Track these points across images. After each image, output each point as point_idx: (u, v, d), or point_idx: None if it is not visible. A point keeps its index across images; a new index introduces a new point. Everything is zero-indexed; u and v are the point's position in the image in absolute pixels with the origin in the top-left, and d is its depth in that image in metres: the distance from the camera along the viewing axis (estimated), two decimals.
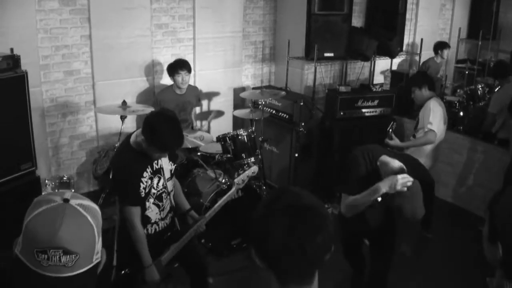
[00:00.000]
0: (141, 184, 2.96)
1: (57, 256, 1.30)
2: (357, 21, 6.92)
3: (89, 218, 1.36)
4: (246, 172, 3.47)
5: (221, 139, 4.79)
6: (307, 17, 5.99)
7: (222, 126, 6.19)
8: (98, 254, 1.41)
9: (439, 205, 5.62)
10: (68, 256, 1.31)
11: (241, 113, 5.40)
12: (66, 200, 1.37)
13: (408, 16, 7.17)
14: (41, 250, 1.29)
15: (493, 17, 8.49)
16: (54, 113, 5.15)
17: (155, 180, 3.06)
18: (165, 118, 2.94)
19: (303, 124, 5.45)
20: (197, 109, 5.86)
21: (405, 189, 2.81)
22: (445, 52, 7.50)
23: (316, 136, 5.94)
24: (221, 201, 3.42)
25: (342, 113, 5.74)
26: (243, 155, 4.74)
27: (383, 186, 2.86)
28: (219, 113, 6.26)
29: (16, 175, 3.95)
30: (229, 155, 4.75)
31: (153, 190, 3.05)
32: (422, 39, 7.00)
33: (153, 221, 3.11)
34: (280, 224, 1.34)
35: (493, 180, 5.04)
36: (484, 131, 5.76)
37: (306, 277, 1.40)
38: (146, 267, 2.99)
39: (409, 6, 7.13)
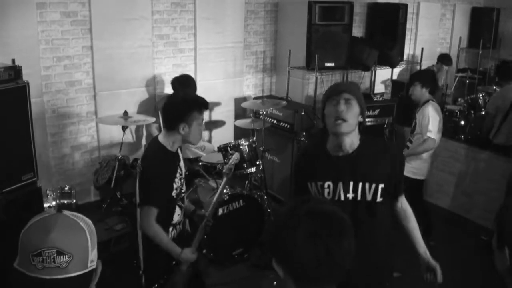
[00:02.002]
0: (174, 184, 2.97)
1: (51, 257, 1.32)
2: (357, 31, 6.95)
3: (81, 223, 1.41)
4: (230, 161, 3.44)
5: (222, 149, 4.79)
6: (308, 27, 6.01)
7: (223, 136, 6.20)
8: (93, 262, 1.43)
9: (439, 213, 5.62)
10: (61, 257, 1.33)
11: (242, 123, 5.41)
12: (59, 211, 1.42)
13: (408, 26, 7.20)
14: (35, 253, 1.32)
15: (493, 26, 8.52)
16: (56, 123, 5.16)
17: (183, 182, 3.10)
18: (176, 97, 3.17)
19: (304, 133, 5.45)
20: None
21: None
22: (445, 68, 7.50)
23: None
24: (217, 194, 3.35)
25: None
26: (244, 165, 4.73)
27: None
28: (221, 123, 6.26)
29: (18, 185, 3.93)
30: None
31: (181, 191, 3.09)
32: (422, 49, 7.03)
33: (174, 222, 3.07)
34: (306, 230, 1.34)
35: (494, 188, 5.03)
36: (482, 133, 5.74)
37: (330, 284, 1.40)
38: (179, 254, 2.92)
39: (409, 16, 7.17)
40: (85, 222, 1.42)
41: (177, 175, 3.01)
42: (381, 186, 2.36)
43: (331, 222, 1.36)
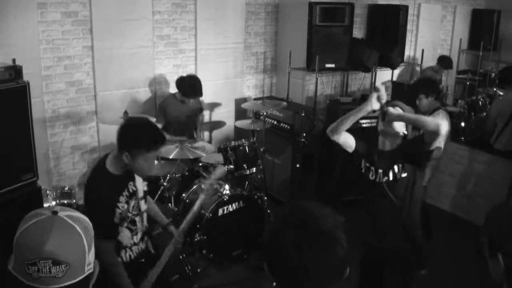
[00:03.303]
0: (117, 209, 2.73)
1: (47, 267, 1.30)
2: (358, 32, 6.95)
3: (77, 228, 1.37)
4: (213, 175, 3.20)
5: (222, 149, 4.79)
6: (308, 29, 6.02)
7: (223, 136, 6.20)
8: (90, 265, 1.40)
9: (440, 215, 5.62)
10: (57, 267, 1.31)
11: (243, 123, 5.41)
12: (54, 213, 1.37)
13: (409, 27, 7.20)
14: (31, 263, 1.30)
15: (494, 28, 8.52)
16: (56, 123, 5.15)
17: (132, 203, 2.83)
18: (135, 122, 2.88)
19: (304, 134, 5.45)
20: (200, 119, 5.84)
21: (383, 99, 2.94)
22: (445, 71, 7.48)
23: (317, 146, 5.93)
24: (192, 212, 3.13)
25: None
26: (244, 165, 4.73)
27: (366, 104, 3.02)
28: (221, 124, 6.26)
29: (17, 185, 3.94)
30: (230, 166, 4.74)
31: (128, 214, 2.81)
32: (423, 50, 7.03)
33: (125, 245, 2.85)
34: (289, 240, 1.33)
35: (495, 190, 5.03)
36: (483, 137, 5.73)
37: None
38: None
39: (410, 17, 7.16)
40: (81, 224, 1.38)
41: (122, 199, 2.75)
42: None
43: (316, 238, 1.34)
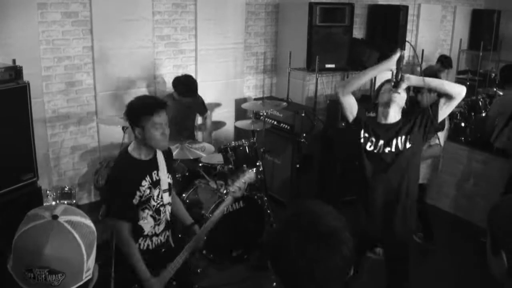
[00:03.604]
0: (138, 192, 2.83)
1: (43, 275, 1.29)
2: (358, 32, 6.95)
3: (76, 236, 1.34)
4: (241, 178, 3.16)
5: (222, 150, 4.79)
6: (309, 29, 6.01)
7: (223, 137, 6.20)
8: (89, 271, 1.39)
9: (440, 215, 5.62)
10: (54, 276, 1.30)
11: (243, 124, 5.41)
12: (54, 217, 1.35)
13: (409, 27, 7.21)
14: (27, 269, 1.29)
15: (494, 28, 8.52)
16: (56, 124, 5.16)
17: (155, 192, 2.92)
18: (133, 99, 2.95)
19: (304, 135, 5.44)
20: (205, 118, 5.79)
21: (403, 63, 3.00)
22: (445, 70, 7.47)
23: (317, 147, 5.93)
24: (217, 212, 3.14)
25: (343, 124, 5.74)
26: (244, 166, 4.72)
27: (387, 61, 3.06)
28: (221, 124, 6.26)
29: (18, 185, 3.94)
30: (230, 166, 4.75)
31: (152, 202, 2.91)
32: (423, 50, 7.04)
33: (146, 233, 2.93)
34: (294, 242, 1.34)
35: (495, 190, 5.03)
36: (483, 136, 5.72)
37: None
38: (145, 281, 2.79)
39: (410, 17, 7.17)
40: (80, 231, 1.36)
41: (145, 183, 2.86)
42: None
43: (321, 239, 1.34)
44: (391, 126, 3.19)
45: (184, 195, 4.61)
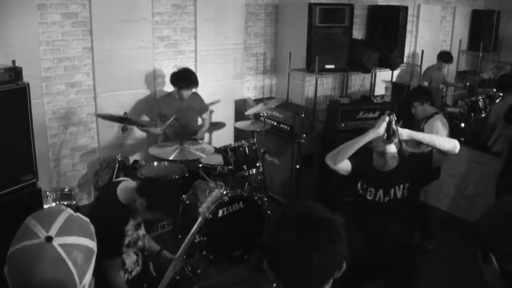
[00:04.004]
0: (126, 238, 2.82)
1: None
2: (357, 33, 6.95)
3: (69, 263, 1.29)
4: (209, 198, 3.20)
5: (222, 150, 4.79)
6: (308, 30, 6.01)
7: (223, 137, 6.20)
8: None
9: (439, 215, 5.62)
10: None
11: (243, 124, 5.41)
12: (49, 239, 1.29)
13: (408, 28, 7.21)
14: None
15: (494, 28, 8.53)
16: (56, 125, 5.16)
17: (140, 232, 2.94)
18: (163, 183, 2.94)
19: (304, 135, 5.44)
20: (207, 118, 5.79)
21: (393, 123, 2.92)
22: (446, 66, 7.49)
23: (317, 147, 5.93)
24: (190, 234, 3.05)
25: (343, 125, 5.74)
26: (244, 166, 4.73)
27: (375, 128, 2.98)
28: (221, 125, 6.26)
29: (17, 186, 3.94)
30: (230, 167, 4.74)
31: (139, 243, 2.93)
32: (422, 51, 7.04)
33: (126, 268, 2.90)
34: (291, 231, 1.36)
35: (494, 191, 5.03)
36: (482, 141, 5.74)
37: None
38: None
39: (409, 18, 7.17)
40: (74, 255, 1.30)
41: (129, 227, 2.84)
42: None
43: (318, 228, 1.36)
44: (389, 173, 3.14)
45: (183, 196, 4.60)
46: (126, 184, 2.88)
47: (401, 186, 3.09)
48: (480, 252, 1.63)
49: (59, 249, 1.29)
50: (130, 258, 2.91)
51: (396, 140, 3.04)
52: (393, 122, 2.93)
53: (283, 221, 1.41)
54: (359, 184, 3.19)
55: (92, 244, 1.39)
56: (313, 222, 1.37)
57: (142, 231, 3.01)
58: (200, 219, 3.06)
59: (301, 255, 1.33)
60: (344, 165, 3.14)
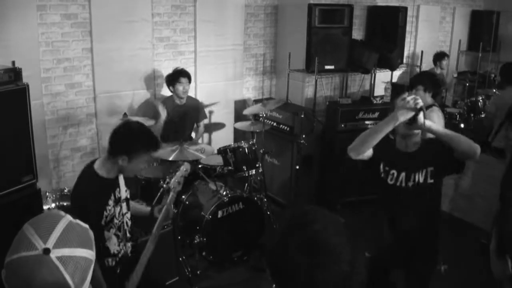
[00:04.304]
0: (105, 212, 2.77)
1: None
2: (357, 34, 6.95)
3: (67, 277, 1.28)
4: (177, 173, 3.15)
5: (222, 151, 4.79)
6: (308, 30, 6.01)
7: (223, 138, 6.20)
8: None
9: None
10: None
11: (242, 125, 5.41)
12: (46, 251, 1.28)
13: (408, 28, 7.20)
14: None
15: (493, 29, 8.54)
16: (55, 125, 5.16)
17: (117, 209, 2.89)
18: (133, 126, 2.87)
19: (304, 136, 5.45)
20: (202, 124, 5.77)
21: (419, 104, 2.72)
22: (444, 62, 7.51)
23: (317, 148, 5.94)
24: (164, 209, 3.00)
25: (343, 125, 5.75)
26: (244, 167, 4.73)
27: (395, 114, 2.78)
28: (220, 126, 6.26)
29: (17, 187, 3.93)
30: (230, 168, 4.75)
31: (115, 220, 2.87)
32: (422, 51, 7.04)
33: (112, 252, 2.88)
34: (295, 244, 1.33)
35: (494, 191, 5.02)
36: (481, 135, 5.72)
37: None
38: None
39: (409, 19, 7.17)
40: (71, 268, 1.29)
41: (110, 202, 2.82)
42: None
43: (324, 243, 1.33)
44: (412, 156, 3.02)
45: (183, 197, 4.61)
46: (99, 159, 2.88)
47: (424, 171, 2.97)
48: (496, 248, 1.63)
49: (57, 262, 1.28)
50: (112, 241, 2.87)
51: (419, 130, 2.93)
52: (421, 114, 2.76)
53: (289, 231, 1.37)
54: (381, 166, 3.10)
55: (90, 254, 1.37)
56: (314, 250, 1.33)
57: (123, 210, 2.95)
58: (172, 193, 3.03)
59: (302, 268, 1.31)
60: (366, 154, 3.02)
